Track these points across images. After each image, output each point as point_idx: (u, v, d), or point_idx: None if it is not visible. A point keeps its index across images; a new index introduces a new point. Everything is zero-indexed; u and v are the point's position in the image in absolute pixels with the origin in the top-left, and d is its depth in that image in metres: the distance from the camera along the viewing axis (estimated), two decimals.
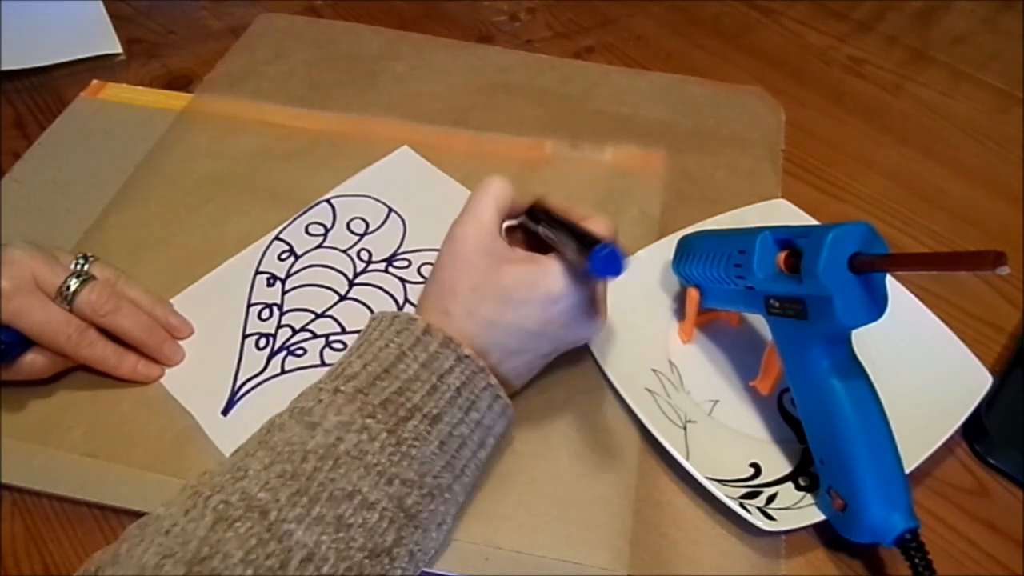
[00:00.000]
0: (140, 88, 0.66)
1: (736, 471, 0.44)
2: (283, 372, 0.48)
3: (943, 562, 0.41)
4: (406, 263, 0.54)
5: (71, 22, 0.71)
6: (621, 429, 0.46)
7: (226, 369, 0.47)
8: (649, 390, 0.47)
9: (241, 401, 0.46)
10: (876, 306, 0.37)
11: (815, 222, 0.54)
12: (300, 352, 0.49)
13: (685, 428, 0.45)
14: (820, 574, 0.42)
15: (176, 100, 0.65)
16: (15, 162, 0.59)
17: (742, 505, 0.41)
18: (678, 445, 0.43)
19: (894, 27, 0.78)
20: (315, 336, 0.50)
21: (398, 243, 0.55)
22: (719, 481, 0.42)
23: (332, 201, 0.57)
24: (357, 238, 0.55)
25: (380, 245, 0.55)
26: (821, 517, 0.41)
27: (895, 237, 0.58)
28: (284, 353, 0.48)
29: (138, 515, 0.41)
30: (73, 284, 0.43)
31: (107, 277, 0.46)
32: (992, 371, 0.47)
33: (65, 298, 0.43)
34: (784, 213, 0.55)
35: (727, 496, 0.41)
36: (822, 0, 0.81)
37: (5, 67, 0.66)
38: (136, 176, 0.58)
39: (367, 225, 0.56)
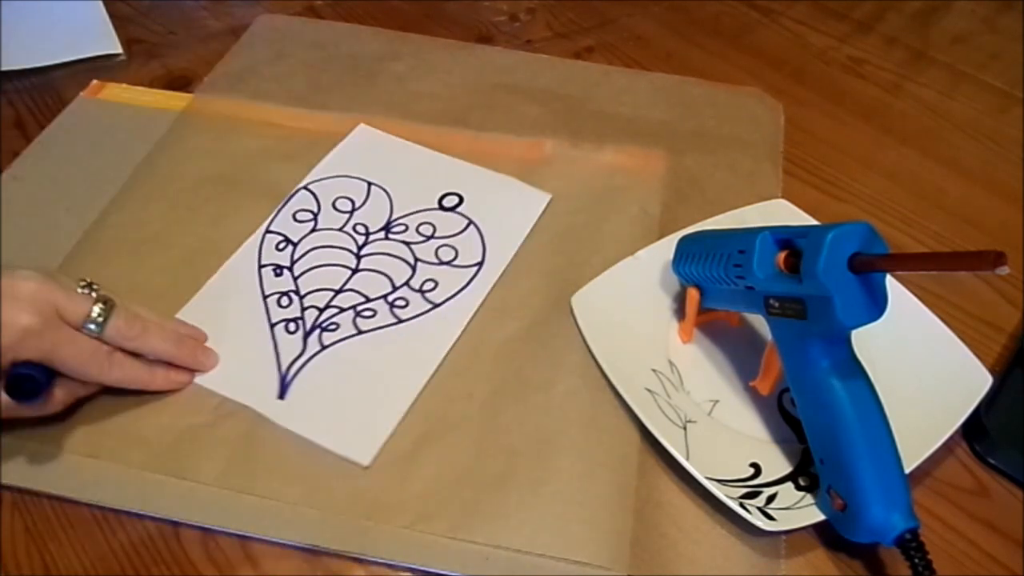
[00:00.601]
0: (140, 88, 0.66)
1: (736, 471, 0.44)
2: (324, 348, 0.49)
3: (943, 562, 0.41)
4: (403, 227, 0.55)
5: (71, 22, 0.71)
6: (621, 429, 0.46)
7: (266, 358, 0.48)
8: (649, 390, 0.47)
9: (294, 382, 0.47)
10: (876, 306, 0.37)
11: (815, 222, 0.53)
12: (334, 327, 0.50)
13: (685, 428, 0.45)
14: (820, 574, 0.42)
15: (176, 100, 0.65)
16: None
17: (742, 505, 0.41)
18: (678, 445, 0.43)
19: (894, 27, 0.78)
20: (342, 310, 0.51)
21: (388, 211, 0.56)
22: (719, 481, 0.42)
23: (310, 187, 0.58)
24: (347, 215, 0.56)
25: (372, 217, 0.56)
26: (821, 517, 0.41)
27: (895, 237, 0.58)
28: (318, 331, 0.49)
29: (139, 516, 0.42)
30: (97, 312, 0.42)
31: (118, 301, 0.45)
32: (992, 371, 0.47)
33: (96, 326, 0.42)
34: (784, 213, 0.55)
35: (727, 496, 0.41)
36: (822, 0, 0.81)
37: (5, 67, 0.66)
38: (136, 176, 0.58)
39: (353, 202, 0.57)
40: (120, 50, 0.70)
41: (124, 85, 0.66)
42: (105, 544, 0.41)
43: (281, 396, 0.46)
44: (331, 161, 0.59)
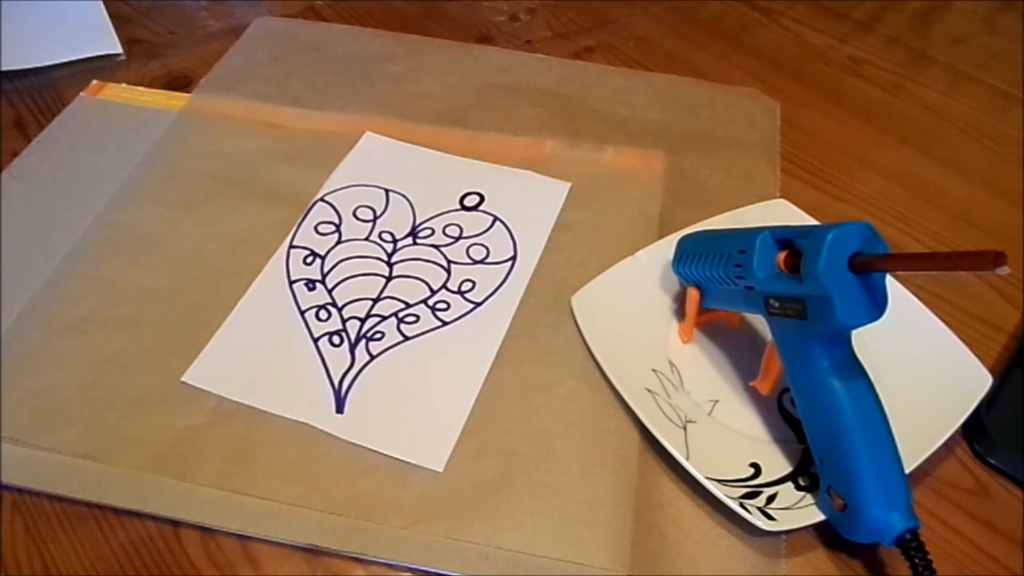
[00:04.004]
0: (140, 88, 0.66)
1: (736, 471, 0.44)
2: (373, 357, 0.48)
3: (943, 562, 0.41)
4: (430, 231, 0.55)
5: (71, 22, 0.71)
6: (621, 429, 0.46)
7: (316, 374, 0.48)
8: (649, 390, 0.47)
9: (350, 395, 0.47)
10: (876, 306, 0.37)
11: (815, 222, 0.53)
12: (379, 336, 0.50)
13: (685, 428, 0.45)
14: (820, 574, 0.42)
15: (175, 100, 0.65)
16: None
17: (742, 505, 0.41)
18: (678, 445, 0.43)
19: (894, 27, 0.78)
20: (384, 318, 0.50)
21: (411, 217, 0.56)
22: (719, 481, 0.42)
23: (327, 199, 0.57)
24: (370, 224, 0.56)
25: (396, 223, 0.56)
26: (821, 517, 0.41)
27: (895, 237, 0.58)
28: (364, 341, 0.49)
29: (139, 515, 0.42)
30: None
31: None
32: (992, 371, 0.47)
33: None
34: (784, 213, 0.55)
35: (727, 496, 0.41)
36: (822, 0, 0.81)
37: (5, 67, 0.66)
38: (135, 175, 0.58)
39: (373, 211, 0.57)
40: (120, 50, 0.70)
41: (124, 85, 0.66)
42: (105, 544, 0.41)
43: (339, 410, 0.46)
44: (344, 171, 0.59)
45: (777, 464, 0.45)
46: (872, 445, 0.39)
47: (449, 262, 0.54)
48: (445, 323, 0.51)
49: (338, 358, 0.48)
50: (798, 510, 0.42)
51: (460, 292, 0.52)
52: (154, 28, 0.74)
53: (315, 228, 0.56)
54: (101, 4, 0.73)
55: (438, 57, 0.70)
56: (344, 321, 0.50)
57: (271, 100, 0.65)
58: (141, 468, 0.43)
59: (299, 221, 0.56)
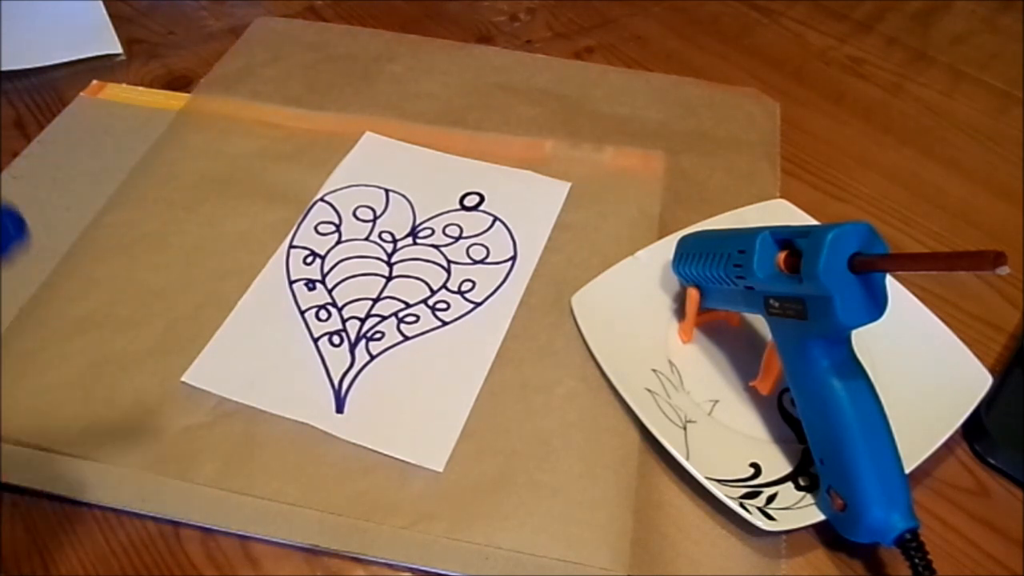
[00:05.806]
0: (140, 88, 0.66)
1: (736, 471, 0.44)
2: (373, 357, 0.48)
3: (943, 562, 0.41)
4: (430, 231, 0.55)
5: (71, 22, 0.71)
6: (621, 429, 0.46)
7: (316, 374, 0.47)
8: (649, 390, 0.47)
9: (350, 395, 0.47)
10: (876, 306, 0.37)
11: (815, 222, 0.54)
12: (379, 336, 0.49)
13: (685, 428, 0.45)
14: (820, 574, 0.42)
15: (175, 100, 0.65)
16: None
17: (742, 505, 0.41)
18: (678, 445, 0.43)
19: (894, 27, 0.78)
20: (384, 318, 0.50)
21: (411, 217, 0.56)
22: (719, 481, 0.42)
23: (327, 199, 0.57)
24: (370, 224, 0.56)
25: (396, 223, 0.56)
26: (821, 517, 0.41)
27: (895, 237, 0.58)
28: (364, 341, 0.49)
29: (139, 515, 0.42)
30: None
31: None
32: (992, 371, 0.47)
33: None
34: (784, 213, 0.55)
35: (727, 496, 0.41)
36: (822, 0, 0.81)
37: (5, 67, 0.66)
38: (134, 175, 0.58)
39: (373, 211, 0.57)
40: (120, 50, 0.70)
41: (124, 85, 0.66)
42: (105, 544, 0.41)
43: (339, 410, 0.46)
44: (344, 171, 0.59)
45: (777, 464, 0.45)
46: (872, 445, 0.39)
47: (449, 262, 0.54)
48: (445, 323, 0.51)
49: (338, 358, 0.48)
50: (798, 510, 0.42)
51: (460, 292, 0.52)
52: (154, 28, 0.74)
53: (315, 228, 0.56)
54: (101, 4, 0.73)
55: (438, 57, 0.70)
56: (344, 321, 0.50)
57: (271, 100, 0.65)
58: (141, 468, 0.43)
59: (299, 221, 0.56)
